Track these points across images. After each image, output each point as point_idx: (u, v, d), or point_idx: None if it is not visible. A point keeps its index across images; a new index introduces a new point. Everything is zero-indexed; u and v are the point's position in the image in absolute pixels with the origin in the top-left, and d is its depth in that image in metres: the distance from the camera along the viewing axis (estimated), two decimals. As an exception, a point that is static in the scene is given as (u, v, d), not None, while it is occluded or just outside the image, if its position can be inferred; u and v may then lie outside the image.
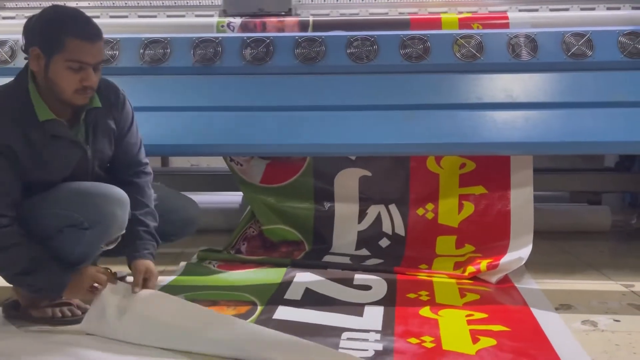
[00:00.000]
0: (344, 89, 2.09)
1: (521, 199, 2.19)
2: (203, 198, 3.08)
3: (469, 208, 2.27)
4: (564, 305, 1.72)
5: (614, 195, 3.20)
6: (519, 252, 2.01)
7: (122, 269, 1.89)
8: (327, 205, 2.39)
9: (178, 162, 3.79)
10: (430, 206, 2.33)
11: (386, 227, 2.35)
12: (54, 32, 1.45)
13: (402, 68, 2.11)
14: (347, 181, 2.38)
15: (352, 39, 2.14)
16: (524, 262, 1.97)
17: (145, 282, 1.54)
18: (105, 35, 2.18)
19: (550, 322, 1.55)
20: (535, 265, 2.11)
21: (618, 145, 2.03)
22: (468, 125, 2.01)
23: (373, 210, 2.37)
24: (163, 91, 2.13)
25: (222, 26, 2.43)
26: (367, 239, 2.33)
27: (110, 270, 1.59)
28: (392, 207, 2.36)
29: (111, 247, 1.62)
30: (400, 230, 2.33)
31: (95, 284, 1.51)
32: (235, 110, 2.09)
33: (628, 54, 2.05)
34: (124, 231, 1.60)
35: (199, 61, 2.15)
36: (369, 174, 2.38)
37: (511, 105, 2.03)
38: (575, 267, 2.22)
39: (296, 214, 2.39)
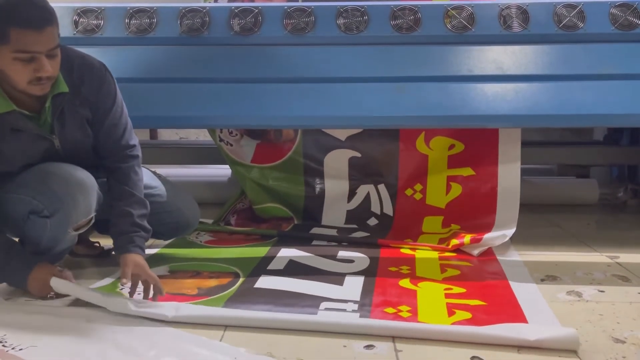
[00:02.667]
0: (334, 61, 2.07)
1: (509, 177, 2.20)
2: (191, 171, 3.09)
3: (456, 189, 2.28)
4: (549, 276, 1.75)
5: (601, 169, 3.22)
6: (503, 230, 2.03)
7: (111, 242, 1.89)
8: (317, 185, 2.39)
9: (166, 135, 3.76)
10: (418, 187, 2.33)
11: (375, 207, 2.36)
12: None
13: (392, 39, 2.08)
14: (337, 162, 2.38)
15: (341, 9, 2.11)
16: (507, 239, 2.00)
17: (134, 277, 1.47)
18: (90, 4, 2.16)
19: (527, 295, 1.56)
20: (522, 237, 2.13)
21: (607, 118, 2.03)
22: (458, 98, 2.00)
23: (362, 190, 2.38)
24: (149, 62, 2.08)
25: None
26: (355, 217, 2.35)
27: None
28: (381, 187, 2.37)
29: (82, 230, 1.61)
30: (388, 210, 2.34)
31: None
32: (223, 81, 2.06)
33: (619, 26, 2.04)
34: (92, 215, 1.57)
35: (186, 32, 2.11)
36: (358, 154, 2.38)
37: (501, 77, 2.02)
38: (562, 239, 2.24)
39: (287, 193, 2.40)
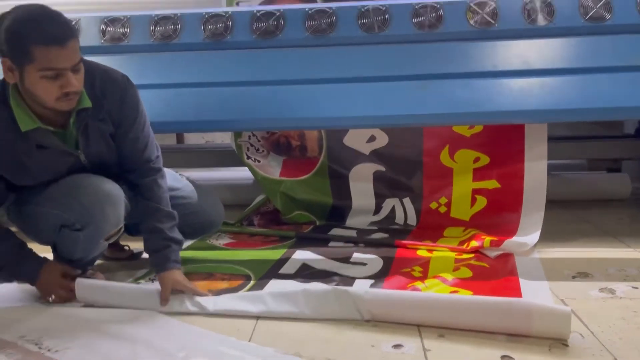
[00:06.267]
0: (356, 61, 2.06)
1: (534, 189, 2.16)
2: (217, 174, 3.13)
3: (481, 202, 2.26)
4: (581, 273, 1.72)
5: (633, 163, 3.14)
6: (525, 238, 2.00)
7: (140, 245, 1.93)
8: (344, 199, 2.40)
9: (193, 139, 3.81)
10: (443, 200, 2.32)
11: (399, 219, 2.36)
12: (19, 41, 1.31)
13: (414, 37, 2.07)
14: (362, 176, 2.39)
15: (363, 9, 2.10)
16: (529, 247, 1.96)
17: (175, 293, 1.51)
18: (115, 13, 2.21)
19: (535, 294, 1.53)
20: (553, 234, 2.10)
21: (638, 110, 1.98)
22: (483, 94, 1.97)
23: (388, 204, 2.39)
24: (174, 68, 2.12)
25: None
26: (378, 225, 2.35)
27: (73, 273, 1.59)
28: (406, 201, 2.37)
29: (113, 240, 1.64)
30: (412, 221, 2.34)
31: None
32: (247, 85, 2.08)
33: (648, 16, 1.99)
34: (122, 224, 1.60)
35: (210, 36, 2.14)
36: (382, 168, 2.38)
37: (527, 72, 1.99)
38: (594, 235, 2.19)
39: (315, 202, 2.42)
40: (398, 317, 1.35)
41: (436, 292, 1.56)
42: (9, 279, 1.67)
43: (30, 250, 1.59)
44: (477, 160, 2.29)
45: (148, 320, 1.41)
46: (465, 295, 1.29)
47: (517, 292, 1.56)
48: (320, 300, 1.41)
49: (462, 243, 2.03)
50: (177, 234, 1.59)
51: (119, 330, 1.35)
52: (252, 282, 1.69)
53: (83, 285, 1.53)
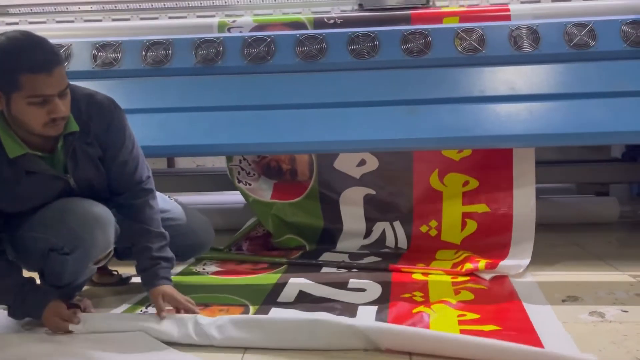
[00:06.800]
0: (346, 86, 2.09)
1: (524, 212, 2.18)
2: (207, 198, 3.12)
3: (471, 226, 2.27)
4: (570, 297, 1.72)
5: (621, 186, 3.18)
6: (518, 261, 2.01)
7: (129, 270, 1.91)
8: (334, 223, 2.40)
9: (183, 163, 3.81)
10: (433, 223, 2.33)
11: (389, 242, 2.36)
12: (5, 70, 1.32)
13: (403, 63, 2.11)
14: (353, 200, 2.40)
15: (353, 36, 2.14)
16: (522, 269, 1.97)
17: (171, 306, 1.49)
18: (107, 39, 2.23)
19: (542, 317, 1.53)
20: (542, 257, 2.11)
21: (623, 135, 2.01)
22: (471, 119, 2.00)
23: (378, 227, 2.38)
24: (166, 92, 2.14)
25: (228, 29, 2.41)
26: (369, 248, 2.35)
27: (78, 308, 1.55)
28: (397, 225, 2.37)
29: (102, 263, 1.63)
30: (403, 245, 2.34)
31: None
32: (238, 109, 2.09)
33: (631, 43, 2.04)
34: (111, 248, 1.58)
35: (201, 62, 2.16)
36: (373, 192, 2.39)
37: (514, 97, 2.03)
38: (583, 258, 2.20)
39: (306, 225, 2.42)
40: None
41: (443, 315, 1.56)
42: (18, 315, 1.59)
43: (34, 285, 1.55)
44: (466, 183, 2.31)
45: (134, 348, 1.38)
46: (504, 342, 1.28)
47: (523, 314, 1.57)
48: (334, 331, 1.37)
49: (455, 265, 2.04)
50: (166, 253, 1.58)
51: (107, 358, 1.32)
52: (252, 309, 1.66)
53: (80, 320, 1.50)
